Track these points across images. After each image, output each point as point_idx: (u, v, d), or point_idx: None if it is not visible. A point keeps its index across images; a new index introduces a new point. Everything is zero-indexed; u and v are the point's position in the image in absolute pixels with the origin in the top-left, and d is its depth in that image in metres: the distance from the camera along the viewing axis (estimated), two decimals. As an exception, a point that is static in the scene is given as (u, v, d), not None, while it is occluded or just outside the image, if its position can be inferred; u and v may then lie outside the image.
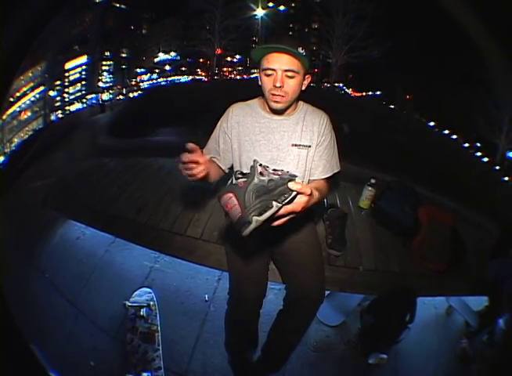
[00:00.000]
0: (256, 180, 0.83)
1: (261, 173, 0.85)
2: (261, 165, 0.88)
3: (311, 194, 0.90)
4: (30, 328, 0.93)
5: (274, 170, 0.90)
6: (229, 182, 1.43)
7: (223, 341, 1.44)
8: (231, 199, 0.82)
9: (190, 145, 0.95)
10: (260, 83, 1.19)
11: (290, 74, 1.11)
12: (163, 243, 1.64)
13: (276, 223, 0.88)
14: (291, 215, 0.90)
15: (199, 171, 0.99)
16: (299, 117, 1.26)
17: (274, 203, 0.82)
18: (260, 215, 0.80)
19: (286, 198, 0.84)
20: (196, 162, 0.97)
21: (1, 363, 0.73)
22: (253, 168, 0.87)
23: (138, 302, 1.60)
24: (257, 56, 1.15)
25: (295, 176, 0.89)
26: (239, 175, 0.89)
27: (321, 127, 1.25)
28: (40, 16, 0.79)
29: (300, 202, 0.88)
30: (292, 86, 1.14)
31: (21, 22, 0.74)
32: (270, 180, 0.84)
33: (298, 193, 0.87)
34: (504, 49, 0.83)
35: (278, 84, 1.11)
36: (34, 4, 0.76)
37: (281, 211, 0.85)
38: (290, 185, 0.84)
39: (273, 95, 1.15)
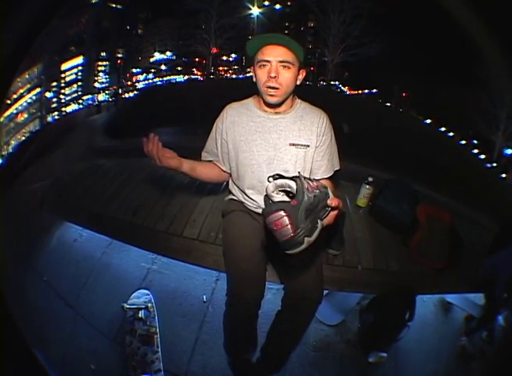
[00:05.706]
0: (306, 198, 0.76)
1: (307, 189, 0.78)
2: (304, 178, 0.80)
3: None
4: (30, 332, 0.93)
5: (309, 180, 0.82)
6: (230, 183, 1.42)
7: (222, 342, 1.43)
8: (283, 218, 0.74)
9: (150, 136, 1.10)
10: (254, 79, 1.18)
11: (285, 64, 1.11)
12: (160, 244, 1.63)
13: None
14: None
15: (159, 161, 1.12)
16: (296, 116, 1.25)
17: (319, 221, 0.78)
18: (310, 235, 0.76)
19: (326, 213, 0.80)
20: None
21: (3, 367, 0.73)
22: (298, 182, 0.79)
23: (136, 304, 1.59)
24: (253, 49, 1.14)
25: (326, 188, 0.84)
26: (278, 189, 0.80)
27: (321, 127, 1.24)
28: (39, 16, 0.79)
29: (332, 215, 0.84)
30: (286, 78, 1.13)
31: (20, 23, 0.74)
32: (314, 196, 0.78)
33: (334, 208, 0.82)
34: (502, 47, 0.82)
35: (273, 74, 1.11)
36: (33, 4, 0.75)
37: None
38: (329, 201, 0.80)
39: (268, 87, 1.14)
